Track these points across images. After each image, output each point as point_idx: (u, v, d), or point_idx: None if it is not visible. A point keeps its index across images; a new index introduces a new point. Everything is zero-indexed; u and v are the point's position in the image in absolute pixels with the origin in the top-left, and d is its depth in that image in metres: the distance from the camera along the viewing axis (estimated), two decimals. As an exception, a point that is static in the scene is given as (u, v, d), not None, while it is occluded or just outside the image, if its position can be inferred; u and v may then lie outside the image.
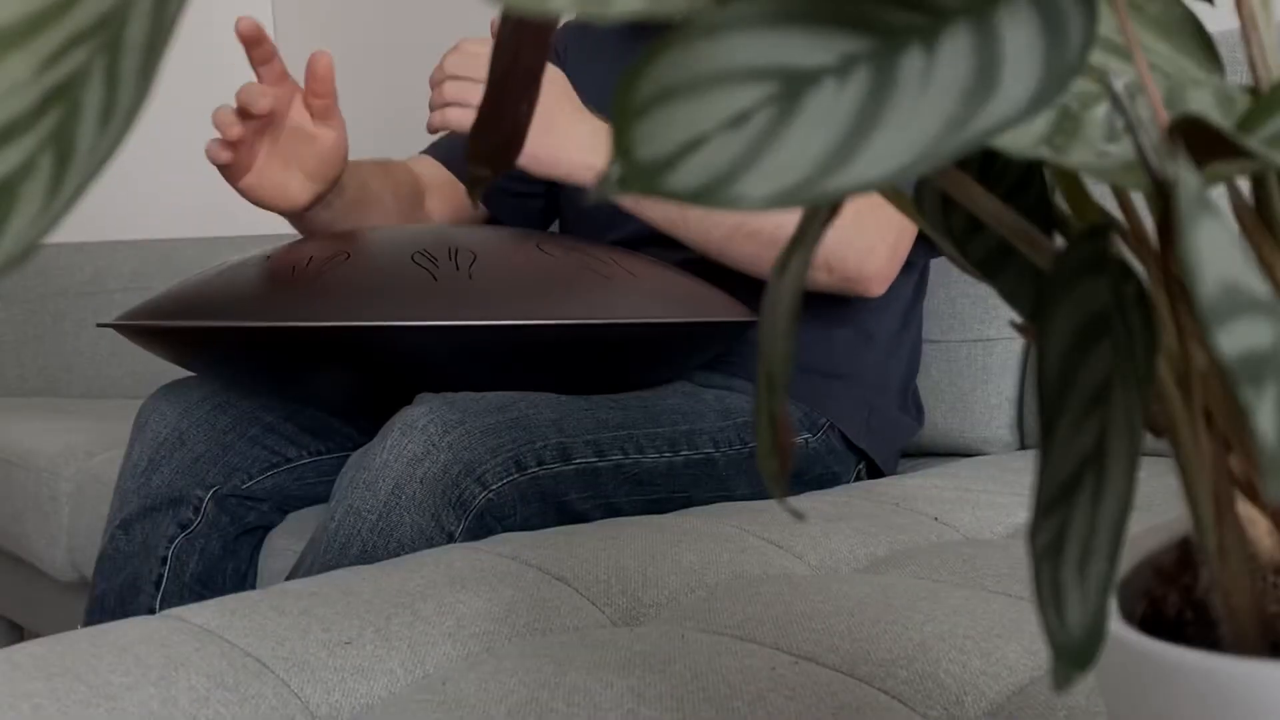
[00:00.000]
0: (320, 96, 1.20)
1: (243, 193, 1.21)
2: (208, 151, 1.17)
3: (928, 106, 0.23)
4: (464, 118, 1.15)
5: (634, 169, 0.23)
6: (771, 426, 0.32)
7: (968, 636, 0.66)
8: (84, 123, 0.24)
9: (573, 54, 1.45)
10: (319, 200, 1.25)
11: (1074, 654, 0.26)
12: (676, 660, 0.63)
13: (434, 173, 1.47)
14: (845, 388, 1.31)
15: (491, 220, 1.51)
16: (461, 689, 0.61)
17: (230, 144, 1.16)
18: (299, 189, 1.22)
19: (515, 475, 1.04)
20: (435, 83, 1.17)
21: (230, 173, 1.19)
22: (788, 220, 1.16)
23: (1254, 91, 0.31)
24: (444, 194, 1.47)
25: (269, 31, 2.94)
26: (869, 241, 1.18)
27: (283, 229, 2.41)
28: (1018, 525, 1.04)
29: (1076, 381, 0.27)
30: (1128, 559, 0.33)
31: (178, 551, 1.23)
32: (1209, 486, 0.29)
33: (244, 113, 1.16)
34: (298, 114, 1.21)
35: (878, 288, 1.21)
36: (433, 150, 1.51)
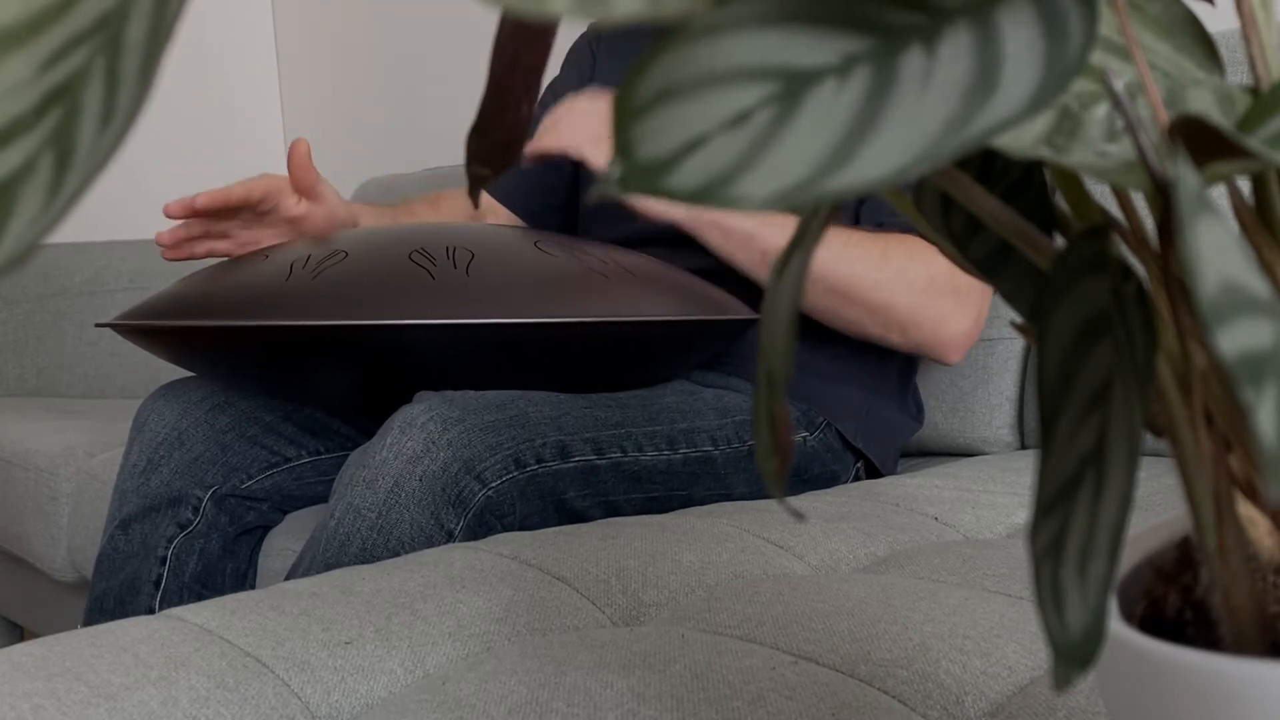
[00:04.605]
0: (302, 179, 1.28)
1: None
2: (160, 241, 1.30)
3: (928, 106, 0.23)
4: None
5: (634, 169, 0.23)
6: (771, 425, 0.32)
7: (968, 636, 0.66)
8: (84, 123, 0.24)
9: (604, 53, 1.47)
10: None
11: (1074, 654, 0.26)
12: (676, 660, 0.63)
13: (487, 202, 1.55)
14: (842, 387, 1.32)
15: None
16: (461, 689, 0.61)
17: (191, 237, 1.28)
18: None
19: (514, 473, 1.04)
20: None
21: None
22: (865, 278, 1.20)
23: (1254, 91, 0.31)
24: (500, 217, 1.54)
25: (269, 31, 2.94)
26: (943, 310, 1.22)
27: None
28: (1018, 525, 1.04)
29: (1076, 381, 0.27)
30: (1128, 559, 0.33)
31: (177, 551, 1.23)
32: (1209, 486, 0.29)
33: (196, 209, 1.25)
34: (288, 200, 1.29)
35: (954, 355, 1.25)
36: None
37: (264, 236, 1.30)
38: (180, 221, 1.28)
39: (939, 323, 1.22)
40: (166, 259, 1.28)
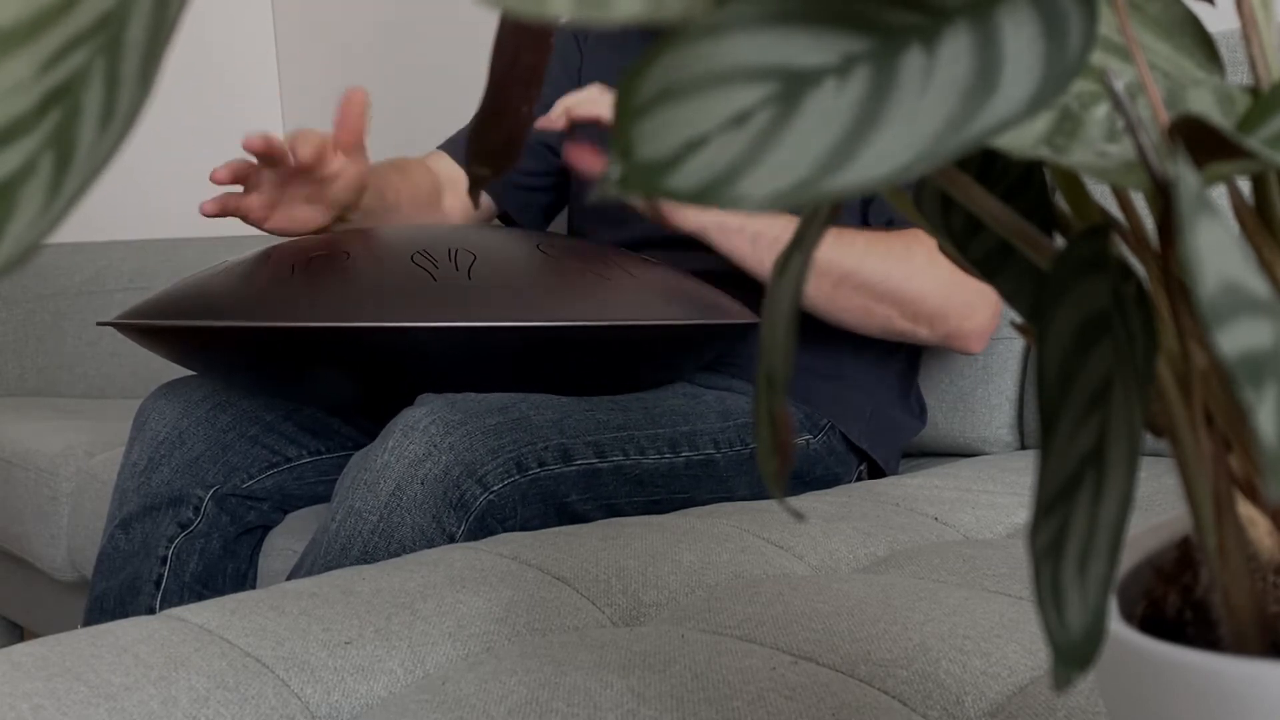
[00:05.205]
0: (352, 134, 1.21)
1: (264, 230, 1.25)
2: (203, 209, 1.21)
3: (928, 106, 0.23)
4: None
5: (635, 169, 0.23)
6: (771, 426, 0.32)
7: (968, 636, 0.66)
8: (84, 124, 0.24)
9: (592, 44, 1.46)
10: (335, 221, 1.28)
11: (1074, 654, 0.26)
12: (676, 660, 0.63)
13: (450, 170, 1.49)
14: (846, 389, 1.32)
15: (502, 215, 1.52)
16: (461, 689, 0.61)
17: (235, 196, 1.20)
18: (317, 218, 1.25)
19: (516, 476, 1.04)
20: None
21: (250, 220, 1.24)
22: (895, 273, 1.21)
23: (1254, 91, 0.31)
24: (461, 190, 1.49)
25: (269, 31, 2.94)
26: (968, 299, 1.24)
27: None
28: (1018, 525, 1.04)
29: (1076, 381, 0.27)
30: (1128, 559, 0.33)
31: (178, 551, 1.23)
32: (1209, 486, 0.29)
33: (272, 155, 1.17)
34: (329, 160, 1.22)
35: (977, 345, 1.27)
36: (447, 147, 1.52)
37: (292, 205, 1.22)
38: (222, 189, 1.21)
39: (965, 314, 1.24)
40: (207, 213, 1.20)
